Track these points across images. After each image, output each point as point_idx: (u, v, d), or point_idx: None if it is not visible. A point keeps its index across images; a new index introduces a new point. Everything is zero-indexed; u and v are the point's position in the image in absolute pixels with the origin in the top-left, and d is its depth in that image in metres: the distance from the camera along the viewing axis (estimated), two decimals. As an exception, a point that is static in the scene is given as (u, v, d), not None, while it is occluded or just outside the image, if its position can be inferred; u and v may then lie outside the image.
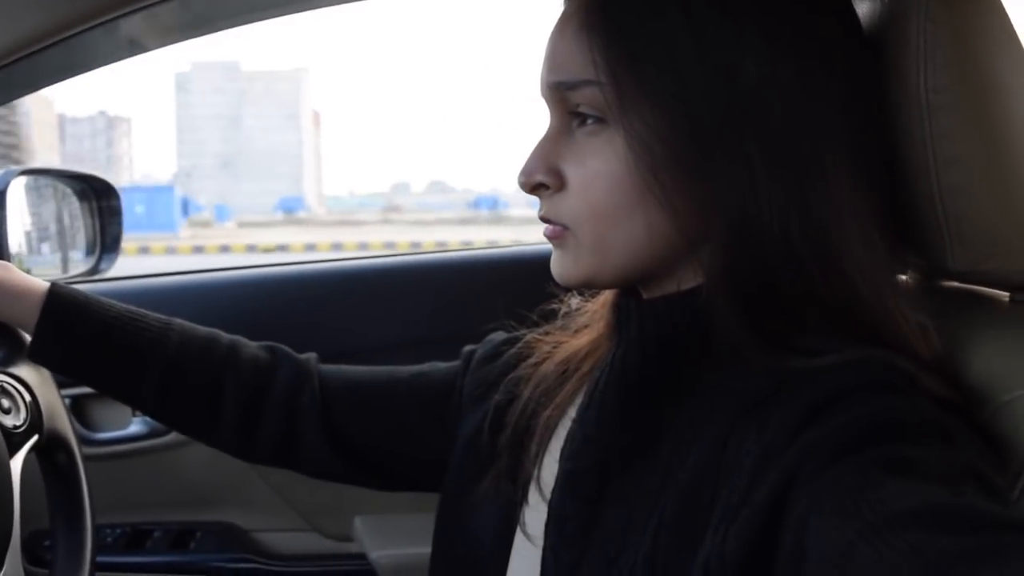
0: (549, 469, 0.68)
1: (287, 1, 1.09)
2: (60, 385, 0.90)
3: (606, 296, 0.70)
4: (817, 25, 0.58)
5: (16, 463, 0.80)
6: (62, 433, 0.88)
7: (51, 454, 0.87)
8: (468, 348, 0.85)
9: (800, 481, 0.48)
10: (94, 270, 1.45)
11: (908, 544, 0.41)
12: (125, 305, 0.84)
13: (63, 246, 1.44)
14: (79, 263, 1.44)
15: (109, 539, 1.34)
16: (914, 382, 0.52)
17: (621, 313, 0.65)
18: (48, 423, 0.85)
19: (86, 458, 0.90)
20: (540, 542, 0.66)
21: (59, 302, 0.80)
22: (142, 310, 0.84)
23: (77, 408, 1.32)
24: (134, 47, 1.08)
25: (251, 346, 0.86)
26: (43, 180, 1.42)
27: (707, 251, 0.58)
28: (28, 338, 0.83)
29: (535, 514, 0.67)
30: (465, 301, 1.31)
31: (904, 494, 0.44)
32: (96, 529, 0.87)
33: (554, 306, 0.78)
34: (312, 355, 0.88)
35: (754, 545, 0.48)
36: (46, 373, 0.87)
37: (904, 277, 0.68)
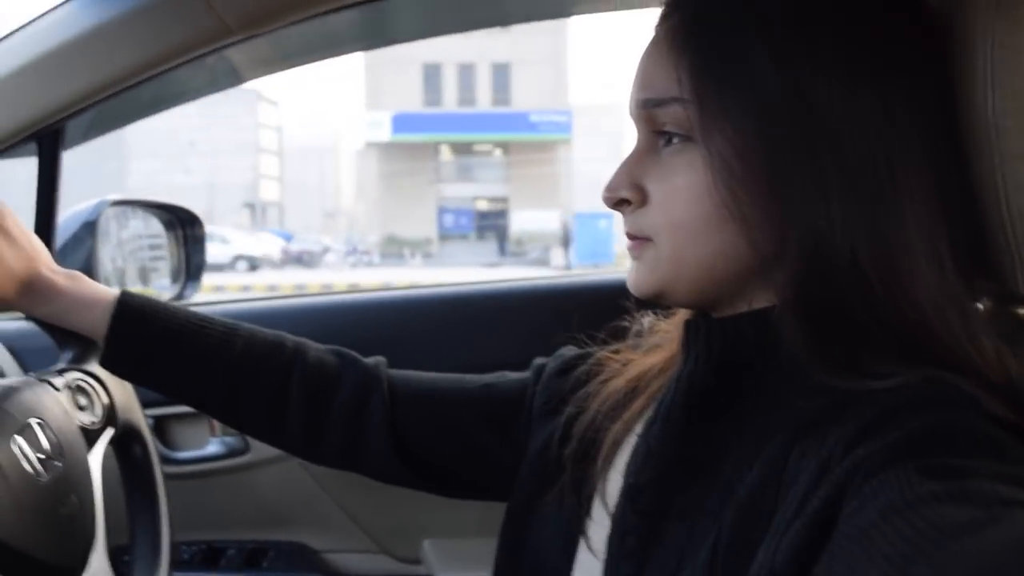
0: (614, 484, 0.68)
1: (368, 35, 1.13)
2: (142, 405, 0.93)
3: (679, 317, 0.71)
4: (896, 52, 0.58)
5: (95, 459, 0.82)
6: (136, 425, 0.90)
7: (127, 447, 0.90)
8: (539, 361, 0.86)
9: (850, 493, 0.48)
10: (178, 297, 1.50)
11: (924, 520, 0.41)
12: (192, 311, 0.86)
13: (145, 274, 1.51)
14: (164, 290, 1.50)
15: (186, 556, 1.37)
16: (977, 404, 0.52)
17: (691, 330, 0.66)
18: (123, 416, 0.88)
19: (165, 477, 0.93)
20: (603, 556, 0.66)
21: (127, 310, 0.82)
22: (209, 316, 0.86)
23: (158, 428, 1.37)
24: (230, 79, 1.14)
25: (318, 348, 0.87)
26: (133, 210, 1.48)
27: (779, 272, 0.59)
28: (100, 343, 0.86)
29: (599, 528, 0.68)
30: (537, 327, 1.32)
31: (936, 486, 0.44)
32: (174, 542, 0.90)
33: (624, 325, 0.79)
34: (381, 359, 0.89)
35: (803, 557, 0.48)
36: None
37: (980, 305, 0.67)
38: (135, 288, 1.48)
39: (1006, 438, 0.50)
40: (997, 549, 0.37)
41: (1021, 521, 0.39)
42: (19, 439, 0.73)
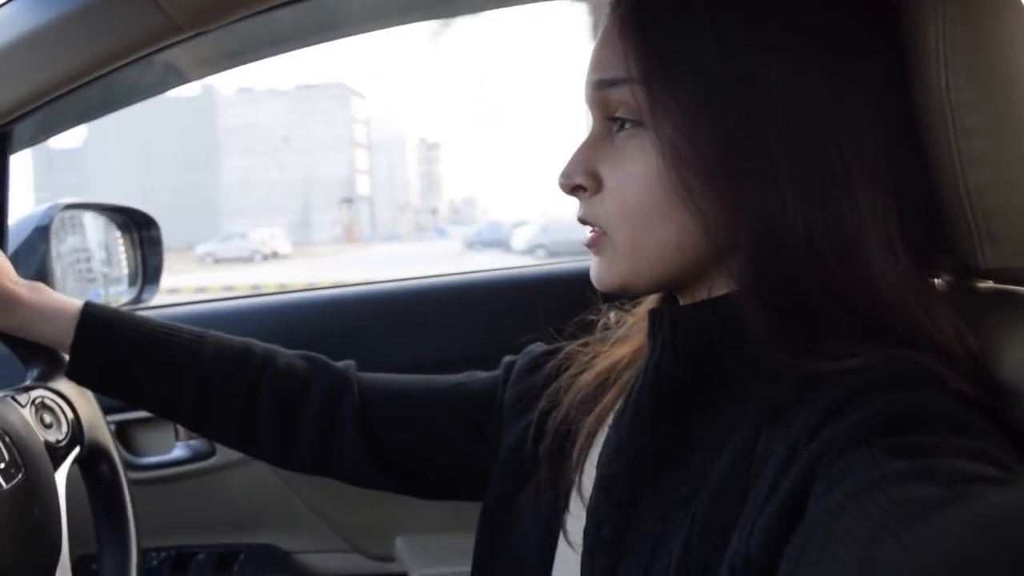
0: (589, 476, 0.69)
1: (318, 29, 1.12)
2: (104, 411, 0.92)
3: (644, 307, 0.71)
4: (842, 32, 0.59)
5: (61, 476, 0.81)
6: (103, 444, 0.89)
7: (93, 465, 0.89)
8: (508, 359, 0.86)
9: (818, 475, 0.48)
10: (136, 300, 1.48)
11: (890, 499, 0.42)
12: (158, 320, 0.85)
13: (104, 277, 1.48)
14: (122, 294, 1.48)
15: (155, 562, 1.36)
16: (940, 381, 0.52)
17: (655, 319, 0.66)
18: (89, 435, 0.87)
19: (131, 483, 0.92)
20: (581, 549, 0.66)
21: (93, 321, 0.82)
22: (176, 324, 0.85)
23: (121, 434, 1.34)
24: (174, 79, 1.12)
25: (287, 354, 0.87)
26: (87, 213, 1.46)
27: (736, 256, 0.59)
28: (65, 356, 0.85)
29: (576, 521, 0.68)
30: (502, 319, 1.32)
31: (902, 464, 0.44)
32: (142, 549, 0.89)
33: (591, 318, 0.79)
34: (350, 363, 0.89)
35: (775, 541, 0.49)
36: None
37: (938, 279, 0.68)
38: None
39: (968, 413, 0.50)
40: (961, 526, 0.37)
41: (984, 496, 0.40)
42: (-23, 450, 0.71)
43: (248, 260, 26.76)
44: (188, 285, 15.58)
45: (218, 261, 27.32)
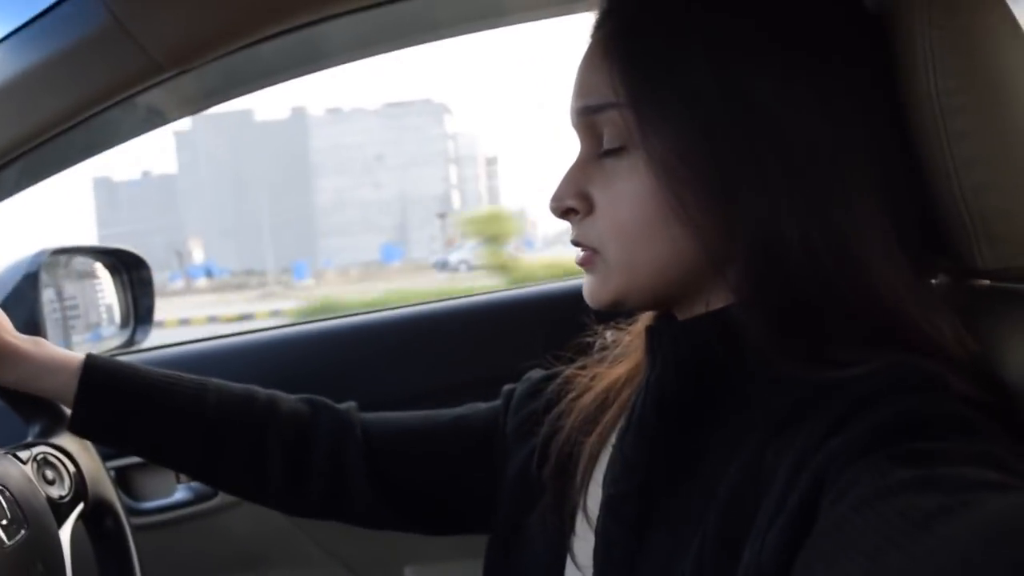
0: (595, 497, 0.68)
1: (297, 64, 1.11)
2: (104, 458, 0.91)
3: (640, 324, 0.71)
4: (830, 41, 0.59)
5: (65, 533, 0.80)
6: (107, 499, 0.88)
7: (98, 520, 0.88)
8: (508, 387, 0.86)
9: (826, 486, 0.48)
10: (130, 342, 1.47)
11: (896, 509, 0.42)
12: (160, 370, 0.85)
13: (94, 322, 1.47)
14: (115, 336, 1.46)
15: (162, 607, 1.34)
16: (942, 384, 0.52)
17: (653, 336, 0.66)
18: (93, 489, 0.86)
19: (134, 528, 0.91)
20: (590, 571, 0.66)
21: (95, 374, 0.81)
22: (177, 373, 0.85)
23: (122, 479, 1.33)
24: (155, 120, 1.11)
25: (289, 400, 0.87)
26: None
27: (733, 269, 0.59)
28: (67, 410, 0.84)
29: (583, 543, 0.67)
30: (499, 342, 1.31)
31: (907, 474, 0.44)
32: None
33: (588, 340, 0.79)
34: (352, 404, 0.89)
35: (787, 553, 0.48)
36: (87, 440, 0.88)
37: (936, 281, 0.68)
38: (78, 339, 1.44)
39: (973, 417, 0.50)
40: (966, 534, 0.38)
41: (989, 503, 0.40)
42: (-21, 507, 0.71)
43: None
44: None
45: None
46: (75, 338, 1.43)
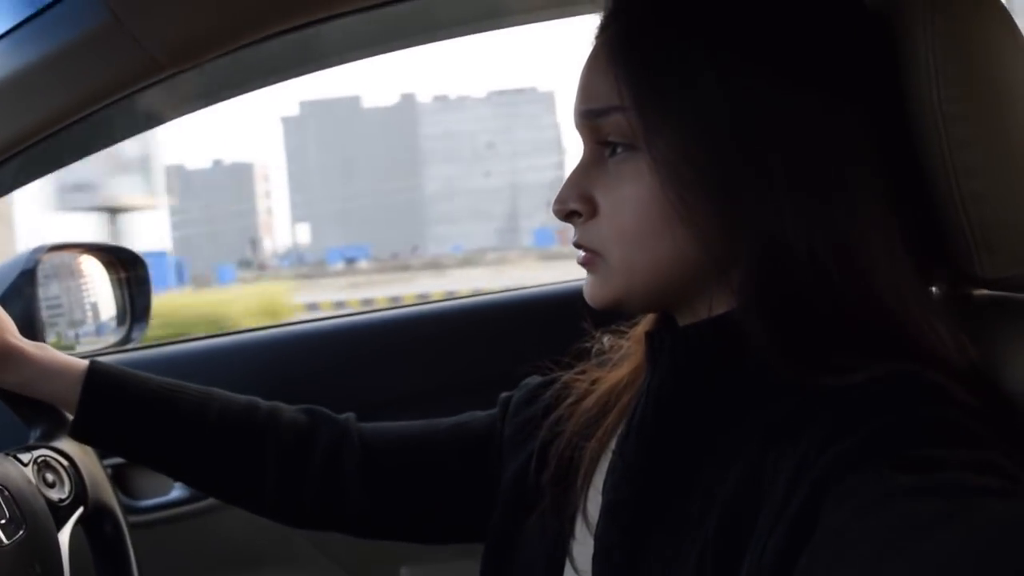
0: (594, 502, 0.68)
1: (297, 64, 1.11)
2: (101, 456, 0.91)
3: (640, 328, 0.71)
4: (834, 47, 0.59)
5: (64, 536, 0.80)
6: (107, 503, 0.88)
7: (97, 525, 0.88)
8: (505, 395, 0.86)
9: (827, 492, 0.48)
10: (125, 340, 1.46)
11: (897, 516, 0.42)
12: (164, 379, 0.85)
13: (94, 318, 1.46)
14: (110, 334, 1.46)
15: (157, 605, 1.34)
16: (945, 393, 0.52)
17: (654, 341, 0.66)
18: (92, 494, 0.86)
19: (130, 526, 0.91)
20: (588, 575, 0.65)
21: (100, 379, 0.81)
22: (181, 382, 0.85)
23: (119, 477, 1.32)
24: (152, 120, 1.11)
25: (289, 410, 0.87)
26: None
27: (736, 273, 0.59)
28: (68, 414, 0.84)
29: (582, 548, 0.67)
30: (496, 344, 1.31)
31: (907, 480, 0.45)
32: None
33: (587, 345, 0.79)
34: (350, 415, 0.88)
35: (788, 560, 0.48)
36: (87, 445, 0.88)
37: (936, 289, 0.68)
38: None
39: (974, 424, 0.51)
40: (967, 541, 0.38)
41: (989, 510, 0.40)
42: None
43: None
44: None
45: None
46: (50, 339, 1.41)
